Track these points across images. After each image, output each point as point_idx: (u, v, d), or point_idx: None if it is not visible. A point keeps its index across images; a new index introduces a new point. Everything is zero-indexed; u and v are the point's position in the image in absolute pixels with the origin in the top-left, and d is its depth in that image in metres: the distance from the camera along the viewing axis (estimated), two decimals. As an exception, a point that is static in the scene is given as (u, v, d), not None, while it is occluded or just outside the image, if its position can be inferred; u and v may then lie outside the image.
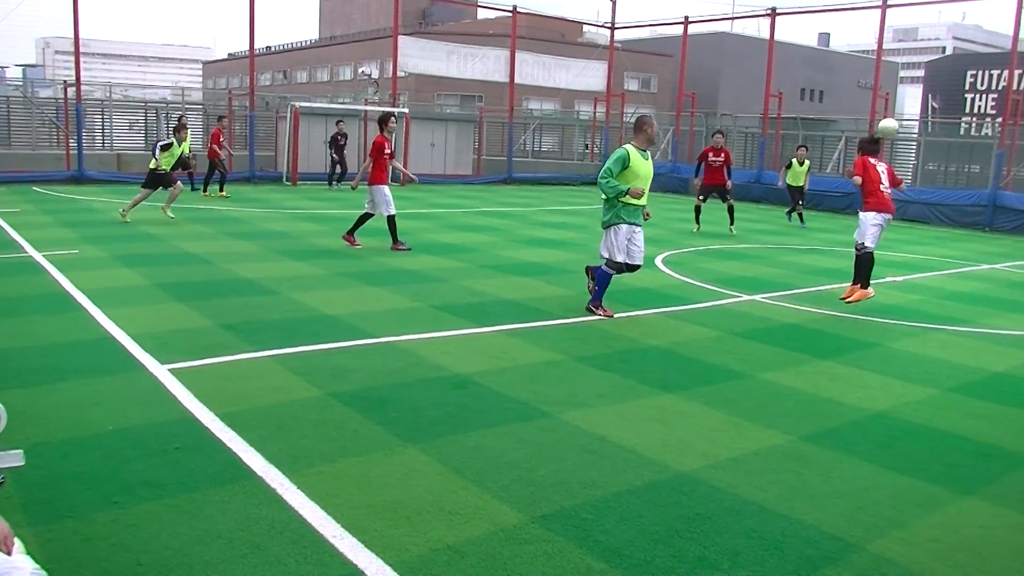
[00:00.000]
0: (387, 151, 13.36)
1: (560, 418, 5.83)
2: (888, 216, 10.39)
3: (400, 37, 30.48)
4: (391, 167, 14.06)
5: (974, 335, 9.48)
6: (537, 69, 35.31)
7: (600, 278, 9.22)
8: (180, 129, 16.14)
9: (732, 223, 18.44)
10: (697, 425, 5.88)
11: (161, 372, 6.38)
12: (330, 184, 25.38)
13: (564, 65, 36.13)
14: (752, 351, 8.10)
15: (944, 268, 14.96)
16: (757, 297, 10.87)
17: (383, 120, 13.48)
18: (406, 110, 29.52)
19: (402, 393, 6.19)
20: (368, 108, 30.66)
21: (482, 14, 62.42)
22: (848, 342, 8.71)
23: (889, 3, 26.39)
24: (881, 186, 10.26)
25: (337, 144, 25.28)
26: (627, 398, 6.39)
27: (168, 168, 15.45)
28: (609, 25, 35.88)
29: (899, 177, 10.77)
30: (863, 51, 73.06)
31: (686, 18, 32.98)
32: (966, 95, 39.75)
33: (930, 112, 40.64)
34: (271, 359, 6.90)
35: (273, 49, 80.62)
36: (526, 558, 3.90)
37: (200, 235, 13.99)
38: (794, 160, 21.38)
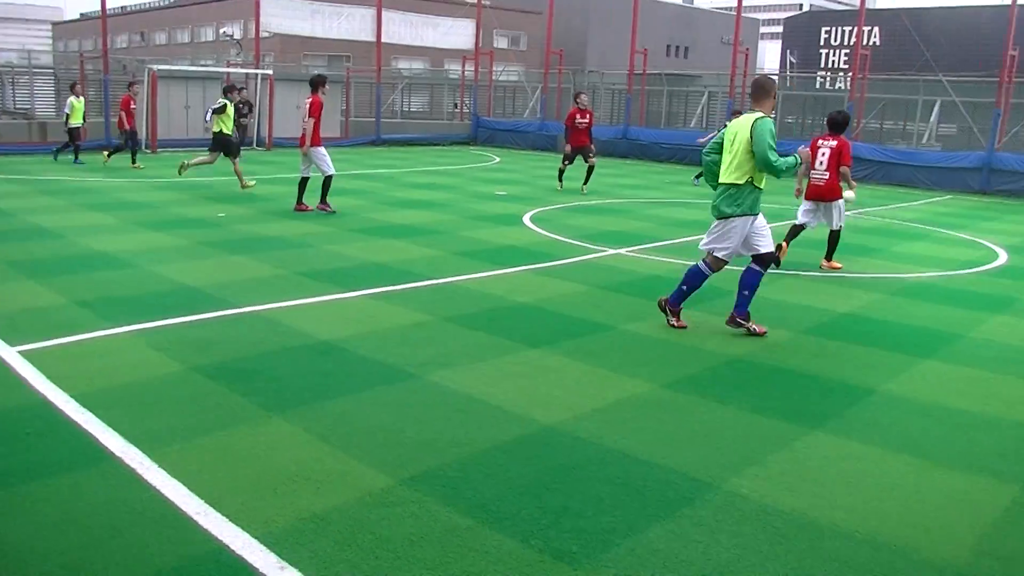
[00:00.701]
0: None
1: (427, 379, 5.85)
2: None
3: (261, -4, 29.55)
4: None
5: (825, 279, 9.96)
6: (405, 28, 34.93)
7: (692, 277, 7.49)
8: (231, 90, 16.80)
9: (586, 183, 18.12)
10: (562, 379, 6.00)
11: (10, 355, 6.07)
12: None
13: (432, 23, 35.84)
14: (616, 303, 8.30)
15: (795, 218, 15.56)
16: (622, 251, 11.12)
17: (321, 81, 13.62)
18: (270, 71, 28.69)
19: (266, 363, 6.09)
20: (231, 70, 29.68)
21: (346, -28, 61.13)
22: (707, 290, 8.94)
23: (745, -41, 27.06)
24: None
25: (239, 113, 23.65)
26: (494, 356, 6.46)
27: (229, 131, 16.05)
28: (476, -18, 35.63)
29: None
30: (726, 8, 74.83)
31: (551, -25, 33.04)
32: (821, 50, 41.21)
33: (788, 67, 42.00)
34: (129, 335, 6.66)
35: (129, 9, 76.87)
36: (393, 520, 3.92)
37: (52, 208, 13.31)
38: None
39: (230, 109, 16.10)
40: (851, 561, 3.71)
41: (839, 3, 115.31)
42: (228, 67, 31.52)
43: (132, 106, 20.43)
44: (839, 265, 10.61)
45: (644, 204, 16.54)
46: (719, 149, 7.35)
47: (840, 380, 6.23)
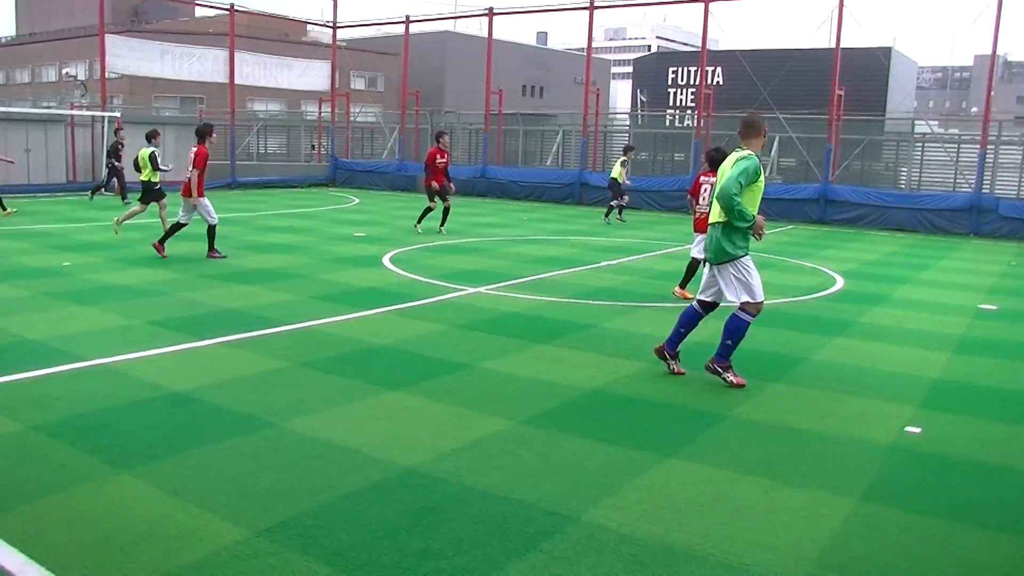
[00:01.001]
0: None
1: (284, 427, 5.74)
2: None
3: (108, 36, 28.59)
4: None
5: (678, 309, 10.23)
6: (259, 69, 34.32)
7: (736, 330, 7.07)
8: (154, 136, 16.64)
9: (444, 223, 18.17)
10: (423, 419, 6.00)
11: None
12: (92, 195, 23.56)
13: (287, 65, 35.38)
14: (475, 342, 8.36)
15: (652, 250, 16.17)
16: (481, 289, 11.23)
17: (208, 131, 13.66)
18: (117, 114, 27.72)
19: (114, 418, 5.84)
20: (75, 112, 28.51)
21: (200, 12, 59.80)
22: (566, 325, 9.21)
23: (596, 4, 28.03)
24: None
25: (117, 152, 23.15)
26: (353, 399, 6.40)
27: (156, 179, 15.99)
28: (331, 24, 35.53)
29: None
30: (578, 49, 76.98)
31: (407, 17, 33.33)
32: (669, 89, 42.83)
33: (639, 106, 43.49)
34: (-39, 395, 6.27)
35: (-40, 47, 72.94)
36: (250, 574, 3.82)
37: None
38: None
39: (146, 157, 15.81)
40: (703, 583, 3.85)
41: (684, 44, 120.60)
42: (72, 109, 30.27)
43: None
44: (690, 295, 11.00)
45: (502, 242, 16.77)
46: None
47: (693, 407, 6.46)
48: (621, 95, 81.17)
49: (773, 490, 4.91)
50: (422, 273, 12.33)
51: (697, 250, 10.67)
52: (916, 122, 28.64)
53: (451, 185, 18.18)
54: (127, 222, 15.57)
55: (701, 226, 10.53)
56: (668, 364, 7.43)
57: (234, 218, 20.26)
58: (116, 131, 24.30)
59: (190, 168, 13.42)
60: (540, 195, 28.39)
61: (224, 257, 13.37)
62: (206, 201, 13.45)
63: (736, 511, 4.62)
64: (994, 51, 22.24)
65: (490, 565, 3.96)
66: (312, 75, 35.63)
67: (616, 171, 21.60)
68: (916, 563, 4.10)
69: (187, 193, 13.33)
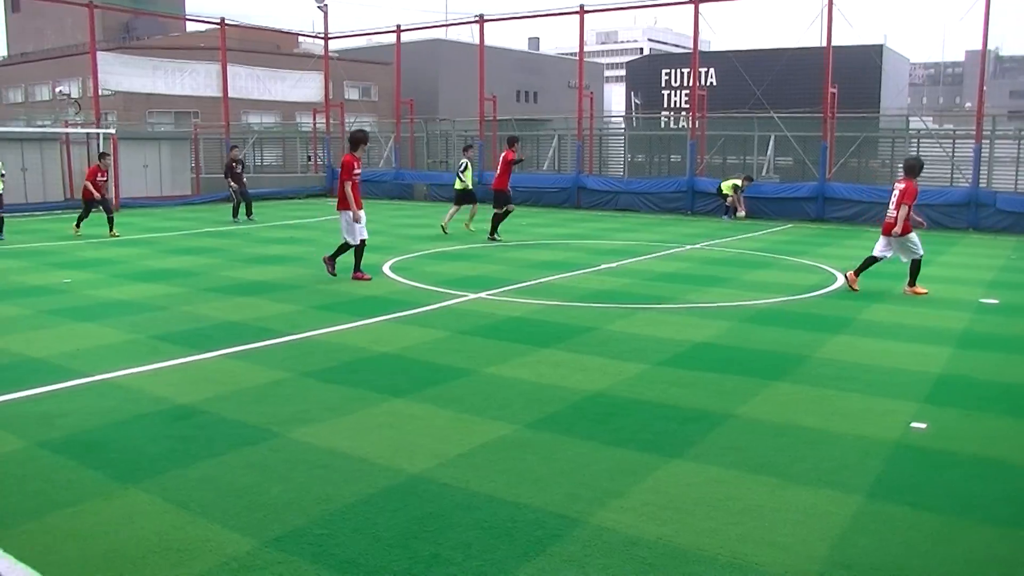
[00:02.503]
0: (356, 172, 12.31)
1: (289, 437, 5.75)
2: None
3: (100, 53, 28.62)
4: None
5: (679, 311, 10.33)
6: (252, 82, 34.34)
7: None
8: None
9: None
10: (427, 426, 6.00)
11: None
12: (234, 216, 22.81)
13: (280, 77, 35.41)
14: (477, 347, 8.37)
15: (651, 252, 16.18)
16: (482, 295, 11.24)
17: (359, 139, 12.57)
18: (112, 130, 27.74)
19: (119, 432, 5.85)
20: (70, 130, 28.54)
21: (191, 27, 59.83)
22: (567, 329, 9.21)
23: (586, 8, 28.05)
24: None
25: (234, 172, 22.75)
26: (357, 408, 6.40)
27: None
28: (323, 35, 35.58)
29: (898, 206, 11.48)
30: (570, 53, 77.16)
31: (398, 27, 33.38)
32: (663, 91, 42.84)
33: (633, 108, 43.54)
34: (-35, 413, 6.27)
35: (-49, 68, 72.90)
36: (259, 584, 3.83)
37: None
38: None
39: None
40: (714, 582, 3.85)
41: (676, 46, 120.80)
42: (67, 127, 30.30)
43: (99, 178, 19.16)
44: (923, 290, 11.58)
45: (500, 247, 16.78)
46: None
47: (698, 407, 6.46)
48: (615, 98, 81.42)
49: (780, 489, 4.92)
50: (422, 280, 12.34)
51: (879, 249, 11.70)
52: (910, 118, 28.70)
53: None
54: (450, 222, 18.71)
55: (887, 228, 11.56)
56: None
57: (233, 231, 20.27)
58: (231, 150, 24.12)
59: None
60: (537, 200, 28.38)
61: (369, 279, 12.31)
62: (352, 216, 12.27)
63: (744, 510, 4.62)
64: (984, 46, 22.29)
65: (500, 570, 3.96)
66: (305, 87, 35.68)
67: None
68: (924, 559, 4.10)
69: (342, 206, 12.34)
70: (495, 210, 17.91)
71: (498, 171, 18.06)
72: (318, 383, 7.09)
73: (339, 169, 12.43)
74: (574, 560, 4.05)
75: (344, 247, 12.51)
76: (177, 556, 4.08)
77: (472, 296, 11.13)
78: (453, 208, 19.56)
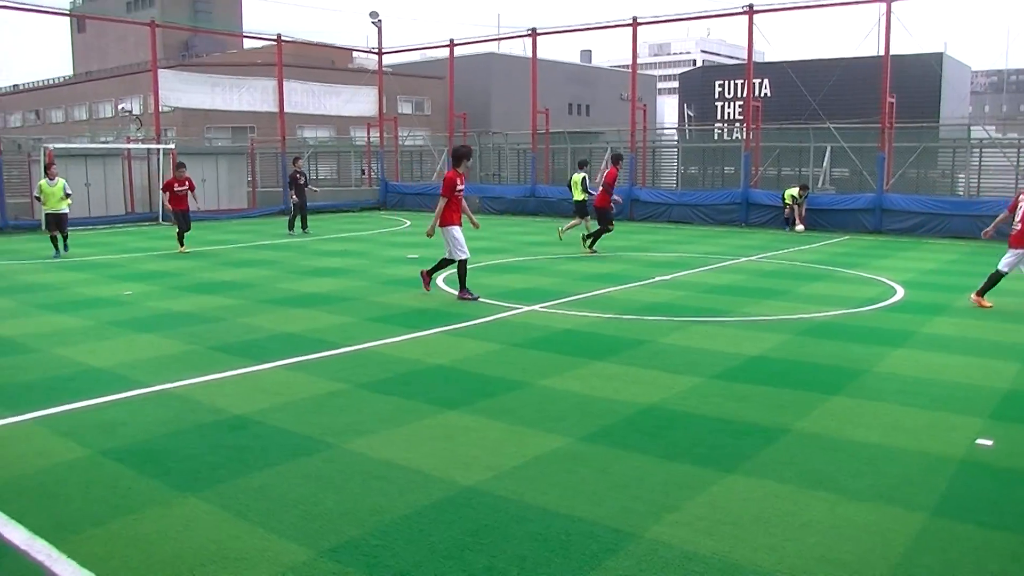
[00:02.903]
0: (459, 188, 11.85)
1: (344, 448, 5.79)
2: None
3: (161, 71, 29.31)
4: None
5: (733, 324, 10.21)
6: (307, 97, 34.84)
7: None
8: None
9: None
10: (481, 438, 6.00)
11: (-99, 450, 5.80)
12: (290, 229, 23.17)
13: (334, 92, 35.88)
14: (531, 360, 8.35)
15: (706, 264, 16.04)
16: (536, 307, 11.23)
17: (462, 155, 12.09)
18: (172, 146, 28.36)
19: (178, 442, 5.94)
20: (131, 146, 29.21)
21: (247, 44, 61.12)
22: (620, 342, 9.16)
23: (639, 21, 27.99)
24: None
25: (297, 184, 22.98)
26: (411, 420, 6.43)
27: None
28: (376, 51, 35.99)
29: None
30: (623, 66, 77.05)
31: (451, 41, 33.64)
32: (716, 103, 42.61)
33: (686, 120, 43.32)
34: (32, 422, 6.42)
35: (22, 87, 75.22)
36: (315, 594, 3.85)
37: (-56, 295, 12.80)
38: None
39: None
40: (772, 599, 3.78)
41: (730, 57, 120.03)
42: (128, 143, 31.02)
43: (176, 188, 18.87)
44: (987, 304, 11.31)
45: (553, 260, 16.76)
46: None
47: (753, 422, 6.37)
48: (668, 110, 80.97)
49: (839, 505, 4.82)
50: (476, 292, 12.36)
51: (1006, 263, 11.18)
52: (972, 127, 28.08)
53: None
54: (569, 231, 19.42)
55: (1016, 242, 11.08)
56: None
57: (289, 243, 20.55)
58: (294, 161, 24.03)
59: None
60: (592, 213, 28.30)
61: (476, 299, 11.78)
62: (455, 232, 11.87)
63: (802, 526, 4.53)
64: (1051, 53, 21.75)
65: (554, 583, 3.94)
66: (359, 101, 36.08)
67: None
68: (993, 578, 3.99)
69: (445, 222, 11.94)
70: (599, 225, 18.03)
71: (600, 188, 18.08)
72: (372, 394, 7.13)
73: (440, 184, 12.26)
74: (629, 574, 4.01)
75: (443, 263, 12.21)
76: (235, 565, 4.12)
77: (525, 308, 11.13)
78: (575, 219, 20.08)
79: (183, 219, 18.83)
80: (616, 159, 18.76)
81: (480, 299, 11.74)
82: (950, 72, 35.99)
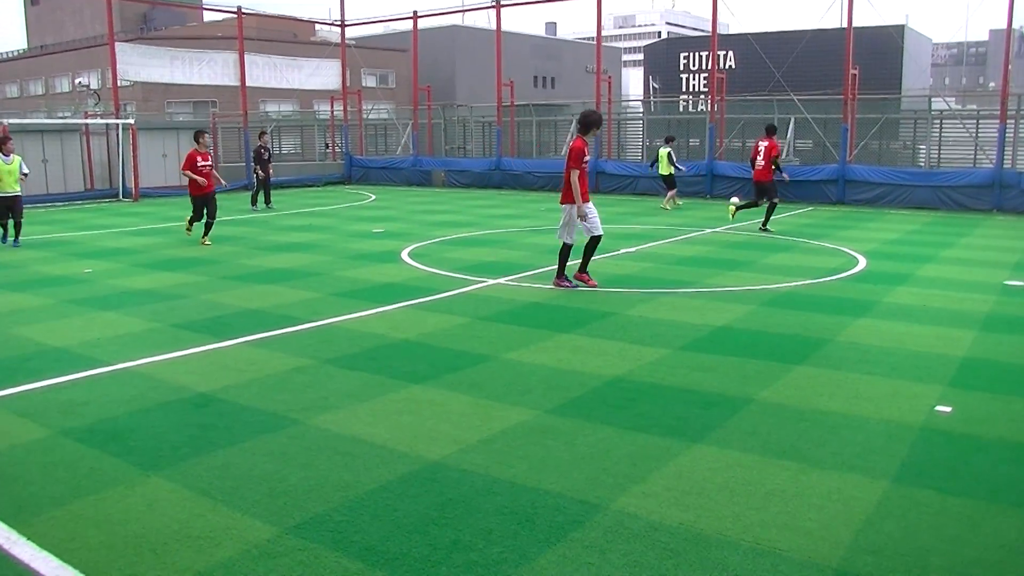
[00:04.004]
0: (587, 158, 10.54)
1: (309, 424, 5.75)
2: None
3: (119, 44, 28.69)
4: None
5: (699, 295, 10.26)
6: (269, 71, 34.32)
7: None
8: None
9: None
10: (447, 412, 5.98)
11: None
12: (253, 204, 22.70)
13: (297, 65, 35.37)
14: (497, 333, 8.35)
15: (671, 236, 16.09)
16: (501, 280, 11.21)
17: (592, 121, 10.57)
18: (131, 121, 27.87)
19: (141, 420, 5.87)
20: (90, 121, 28.67)
21: (208, 16, 60.04)
22: (587, 314, 9.17)
23: (604, -8, 27.85)
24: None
25: (261, 159, 22.47)
26: (377, 395, 6.40)
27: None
28: (339, 23, 35.53)
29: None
30: (588, 38, 76.74)
31: (415, 13, 33.30)
32: (682, 75, 42.57)
33: (652, 92, 43.27)
34: (-11, 402, 6.32)
35: (-28, 62, 73.51)
36: (281, 571, 3.82)
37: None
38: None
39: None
40: (737, 569, 3.81)
41: (694, 29, 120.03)
42: (87, 118, 30.45)
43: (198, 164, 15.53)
44: None
45: (520, 233, 16.74)
46: None
47: (719, 392, 6.41)
48: (633, 82, 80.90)
49: (803, 474, 4.87)
50: (441, 266, 12.32)
51: None
52: (933, 99, 28.31)
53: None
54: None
55: None
56: None
57: (252, 219, 20.33)
58: (260, 135, 23.20)
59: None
60: (556, 185, 27.99)
61: (595, 285, 10.69)
62: (588, 208, 10.47)
63: (766, 495, 4.58)
64: (1009, 24, 21.96)
65: (521, 555, 3.94)
66: (323, 74, 35.63)
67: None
68: (952, 544, 4.05)
69: (566, 199, 10.62)
70: (772, 201, 16.85)
71: (762, 163, 16.66)
72: (338, 370, 7.09)
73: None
74: (595, 546, 4.03)
75: (564, 253, 10.83)
76: (199, 543, 4.08)
77: (491, 282, 11.11)
78: (670, 191, 21.47)
79: (211, 206, 15.59)
80: (772, 130, 17.20)
81: (578, 287, 10.68)
82: (911, 44, 36.22)
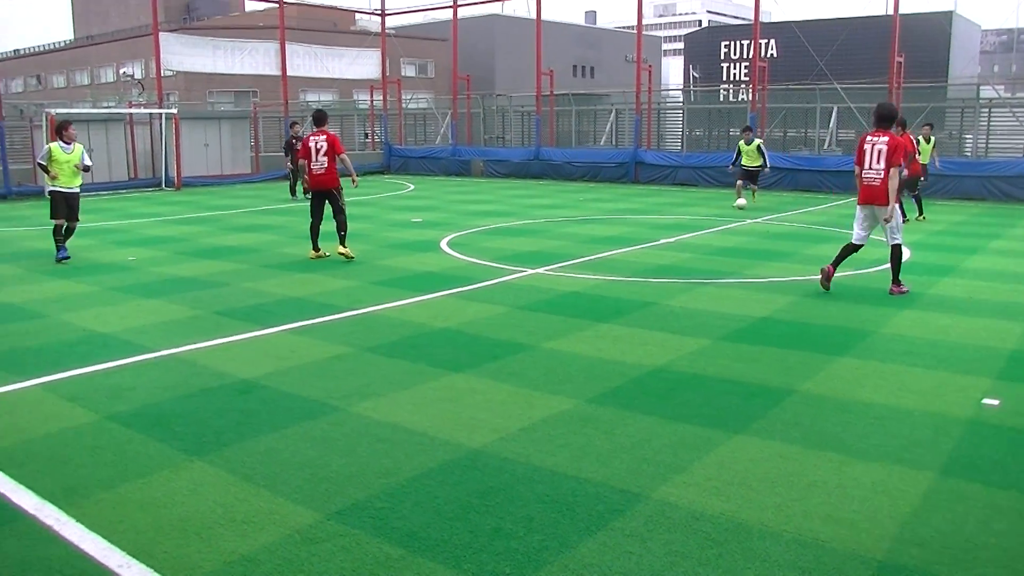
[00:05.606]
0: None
1: (350, 411, 5.79)
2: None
3: (162, 34, 29.04)
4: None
5: (739, 285, 10.17)
6: (310, 60, 34.54)
7: None
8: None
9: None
10: (487, 401, 5.99)
11: (-91, 415, 5.81)
12: (292, 194, 22.84)
13: (337, 55, 35.55)
14: (537, 322, 8.34)
15: (712, 226, 15.97)
16: (540, 270, 11.20)
17: (892, 115, 9.80)
18: (174, 111, 28.19)
19: (185, 406, 5.94)
20: (134, 111, 29.05)
21: (249, 6, 60.47)
22: (627, 304, 9.13)
23: (643, -21, 27.65)
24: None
25: (293, 149, 21.96)
26: (417, 382, 6.42)
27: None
28: (380, 12, 35.64)
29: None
30: (628, 27, 76.25)
31: (455, 2, 33.34)
32: (722, 64, 42.24)
33: (692, 82, 42.95)
34: (39, 387, 6.43)
35: (23, 52, 74.79)
36: (323, 556, 3.86)
37: (-51, 262, 12.80)
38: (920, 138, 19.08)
39: None
40: (780, 560, 3.78)
41: (736, 18, 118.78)
42: (131, 107, 30.86)
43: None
44: None
45: (559, 223, 16.69)
46: None
47: (760, 383, 6.36)
48: (673, 72, 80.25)
49: (847, 465, 4.81)
50: (480, 256, 12.33)
51: None
52: (981, 87, 27.78)
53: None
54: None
55: None
56: None
57: (292, 208, 20.49)
58: (291, 125, 23.27)
59: (875, 162, 9.69)
60: (595, 175, 28.19)
61: (906, 291, 9.67)
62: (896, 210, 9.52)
63: (809, 486, 4.53)
64: (1062, 10, 21.46)
65: (561, 543, 3.94)
66: (363, 64, 35.78)
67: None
68: (1000, 538, 3.98)
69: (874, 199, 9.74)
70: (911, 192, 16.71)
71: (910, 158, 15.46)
72: (379, 358, 7.12)
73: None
74: (636, 535, 4.01)
75: (895, 253, 9.77)
76: (243, 527, 4.13)
77: (531, 271, 11.10)
78: (753, 186, 20.31)
79: (339, 210, 12.79)
80: (904, 124, 15.22)
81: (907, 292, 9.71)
82: (959, 31, 35.57)
